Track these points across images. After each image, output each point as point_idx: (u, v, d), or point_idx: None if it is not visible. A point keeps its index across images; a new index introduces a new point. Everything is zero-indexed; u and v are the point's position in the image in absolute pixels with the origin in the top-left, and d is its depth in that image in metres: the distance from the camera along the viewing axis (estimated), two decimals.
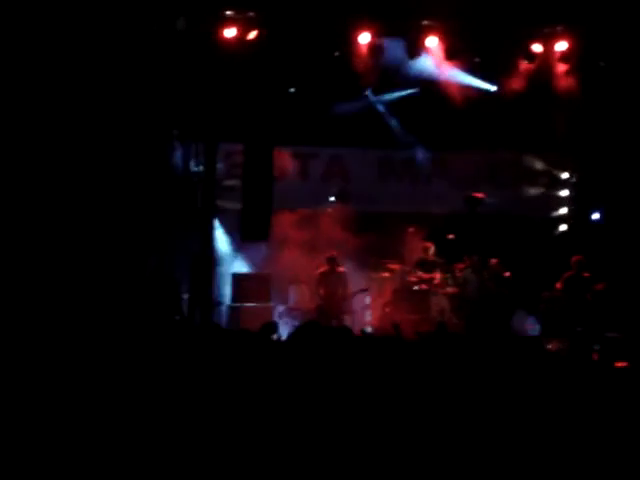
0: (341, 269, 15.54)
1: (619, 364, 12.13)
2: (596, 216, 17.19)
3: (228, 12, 14.88)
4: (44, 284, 12.94)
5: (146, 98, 14.25)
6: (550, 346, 12.71)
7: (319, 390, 8.23)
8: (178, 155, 14.96)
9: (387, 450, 7.14)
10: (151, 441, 7.31)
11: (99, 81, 13.80)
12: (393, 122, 16.97)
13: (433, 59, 15.82)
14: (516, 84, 16.02)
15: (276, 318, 14.68)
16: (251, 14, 14.98)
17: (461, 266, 15.67)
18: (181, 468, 6.95)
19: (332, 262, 15.40)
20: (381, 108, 16.97)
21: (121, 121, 14.02)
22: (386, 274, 16.05)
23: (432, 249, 15.85)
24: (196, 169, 14.92)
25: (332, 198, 17.01)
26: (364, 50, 15.51)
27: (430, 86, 16.33)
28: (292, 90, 16.07)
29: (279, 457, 6.98)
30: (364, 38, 15.41)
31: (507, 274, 15.38)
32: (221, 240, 15.86)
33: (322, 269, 15.46)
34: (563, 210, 17.87)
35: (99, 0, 13.74)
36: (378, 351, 10.72)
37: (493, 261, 15.48)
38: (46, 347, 9.10)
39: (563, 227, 17.82)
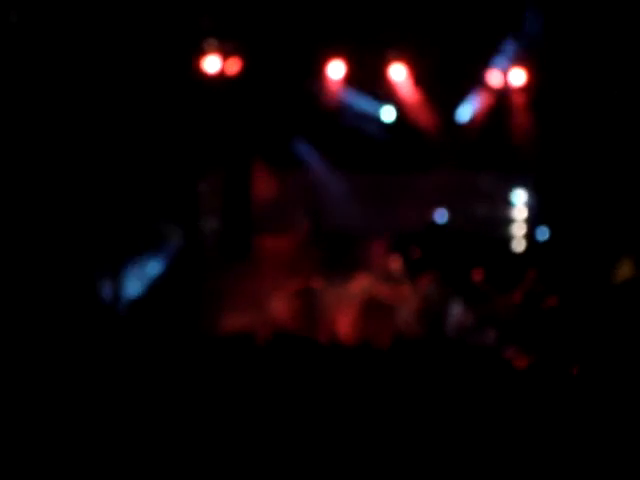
0: (314, 285, 16.11)
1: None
2: (543, 235, 17.94)
3: (209, 43, 15.59)
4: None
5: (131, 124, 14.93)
6: (507, 355, 13.50)
7: (291, 396, 8.82)
8: None
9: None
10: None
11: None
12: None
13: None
14: (477, 113, 17.02)
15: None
16: (231, 44, 15.69)
17: (425, 279, 16.32)
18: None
19: (305, 278, 16.04)
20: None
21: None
22: (353, 287, 16.49)
23: (398, 262, 16.51)
24: None
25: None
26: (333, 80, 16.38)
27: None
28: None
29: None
30: (334, 68, 16.25)
31: (487, 287, 16.10)
32: None
33: (296, 286, 16.02)
34: (520, 229, 18.58)
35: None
36: (346, 361, 11.39)
37: (477, 270, 16.21)
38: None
39: (521, 245, 18.53)
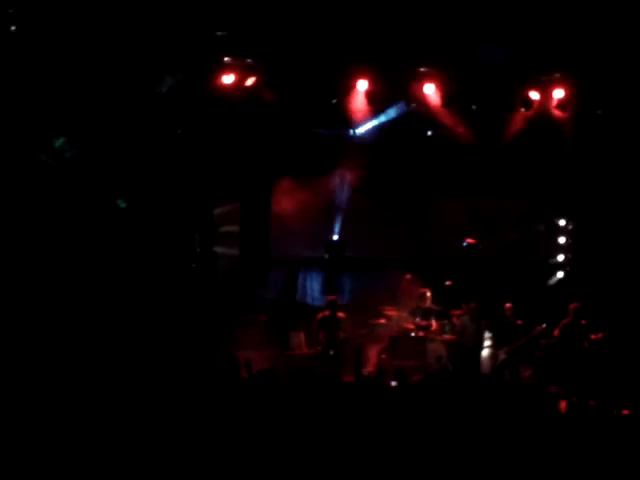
0: (341, 314, 15.40)
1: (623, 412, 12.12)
2: None
3: (226, 59, 15.03)
4: None
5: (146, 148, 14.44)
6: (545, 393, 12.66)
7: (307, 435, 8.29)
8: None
9: None
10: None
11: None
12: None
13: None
14: (513, 130, 16.17)
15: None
16: (249, 61, 15.12)
17: (458, 312, 15.64)
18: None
19: (332, 306, 15.33)
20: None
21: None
22: (383, 320, 15.98)
23: (429, 295, 15.77)
24: None
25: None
26: (361, 97, 15.68)
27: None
28: None
29: None
30: (362, 85, 15.59)
31: (519, 322, 15.25)
32: None
33: (322, 314, 15.34)
34: (560, 257, 17.93)
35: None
36: (370, 397, 10.76)
37: (507, 306, 15.34)
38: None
39: (560, 274, 17.85)
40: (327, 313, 15.30)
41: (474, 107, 16.14)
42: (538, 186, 17.03)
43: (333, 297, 15.43)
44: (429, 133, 16.90)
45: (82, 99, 14.02)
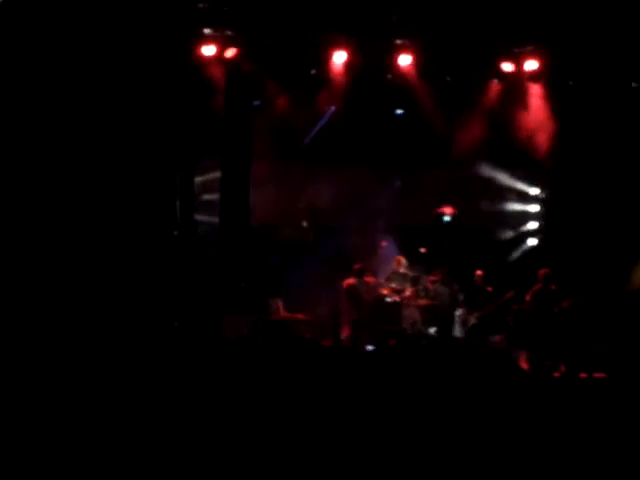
0: (369, 279, 15.80)
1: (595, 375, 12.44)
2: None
3: (206, 30, 15.21)
4: None
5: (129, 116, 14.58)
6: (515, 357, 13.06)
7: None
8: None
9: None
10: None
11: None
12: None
13: None
14: (487, 103, 16.47)
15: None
16: (229, 32, 15.30)
17: (432, 278, 15.98)
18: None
19: (360, 273, 15.64)
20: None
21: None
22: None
23: (404, 262, 16.14)
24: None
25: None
26: (340, 68, 15.89)
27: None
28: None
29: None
30: (339, 57, 15.79)
31: (489, 289, 15.68)
32: None
33: (350, 281, 15.62)
34: (533, 225, 18.30)
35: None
36: (348, 362, 10.95)
37: (478, 273, 15.77)
38: None
39: (532, 241, 18.24)
40: (355, 280, 15.56)
41: (448, 79, 16.42)
42: (512, 156, 17.35)
43: (359, 265, 15.69)
44: (398, 112, 17.24)
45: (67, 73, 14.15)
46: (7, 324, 11.94)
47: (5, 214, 13.78)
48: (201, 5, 14.54)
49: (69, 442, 7.19)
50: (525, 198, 18.33)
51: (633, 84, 16.00)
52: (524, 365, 13.53)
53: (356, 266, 15.67)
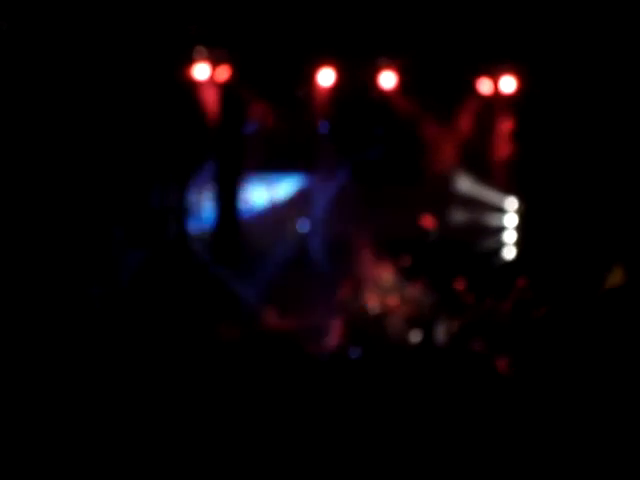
0: (357, 289, 16.21)
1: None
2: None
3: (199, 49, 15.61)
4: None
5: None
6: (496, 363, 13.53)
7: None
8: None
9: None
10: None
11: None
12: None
13: None
14: (465, 120, 17.05)
15: None
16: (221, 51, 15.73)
17: (415, 287, 16.37)
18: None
19: (350, 283, 16.13)
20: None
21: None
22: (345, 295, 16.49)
23: (388, 272, 16.51)
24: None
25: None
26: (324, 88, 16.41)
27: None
28: None
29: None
30: (324, 75, 16.27)
31: (470, 297, 16.10)
32: None
33: (341, 290, 16.07)
34: (511, 237, 18.78)
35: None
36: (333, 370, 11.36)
37: (458, 281, 16.24)
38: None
39: (511, 253, 18.75)
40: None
41: (429, 96, 16.92)
42: (489, 170, 17.88)
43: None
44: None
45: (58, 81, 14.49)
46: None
47: None
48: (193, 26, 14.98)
49: (69, 442, 7.71)
50: (501, 211, 18.82)
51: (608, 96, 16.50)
52: (504, 370, 13.97)
53: (347, 277, 16.12)
